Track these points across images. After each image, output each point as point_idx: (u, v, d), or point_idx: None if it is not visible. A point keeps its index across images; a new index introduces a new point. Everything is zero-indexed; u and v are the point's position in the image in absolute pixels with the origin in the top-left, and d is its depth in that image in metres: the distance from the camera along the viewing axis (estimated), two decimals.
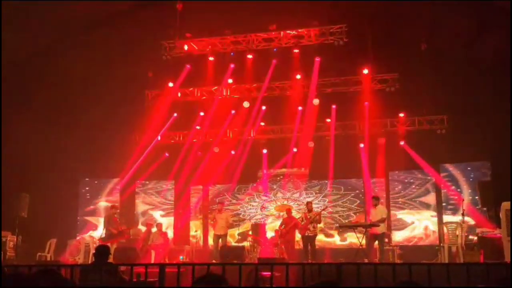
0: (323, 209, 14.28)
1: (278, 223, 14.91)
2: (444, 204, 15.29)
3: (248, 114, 16.52)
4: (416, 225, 15.59)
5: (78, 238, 15.89)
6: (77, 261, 13.61)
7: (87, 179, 17.16)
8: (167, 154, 17.01)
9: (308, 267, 5.95)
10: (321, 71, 15.88)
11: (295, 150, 16.50)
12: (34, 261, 12.79)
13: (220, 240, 13.36)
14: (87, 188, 17.18)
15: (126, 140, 16.36)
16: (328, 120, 16.25)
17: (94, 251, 7.26)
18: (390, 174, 16.03)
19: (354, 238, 13.04)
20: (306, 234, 12.76)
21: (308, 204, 13.44)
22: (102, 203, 16.94)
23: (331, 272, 5.52)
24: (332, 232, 16.19)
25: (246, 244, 14.00)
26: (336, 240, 16.14)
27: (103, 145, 15.45)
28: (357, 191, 16.29)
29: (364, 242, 11.70)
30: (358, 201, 16.17)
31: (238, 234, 15.25)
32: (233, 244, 14.78)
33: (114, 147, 15.52)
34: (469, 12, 13.84)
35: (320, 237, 15.01)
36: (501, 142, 13.33)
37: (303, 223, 12.88)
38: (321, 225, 14.06)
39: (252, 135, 16.81)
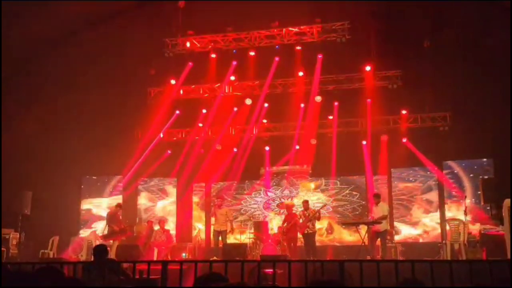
0: (322, 207, 14.29)
1: (280, 220, 14.94)
2: (446, 201, 15.26)
3: (251, 111, 16.52)
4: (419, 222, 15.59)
5: (80, 235, 15.93)
6: (80, 258, 13.64)
7: (90, 176, 17.17)
8: (169, 152, 17.01)
9: (310, 264, 5.95)
10: (324, 68, 15.87)
11: (297, 147, 16.49)
12: (37, 258, 12.82)
13: (220, 236, 13.32)
14: (89, 186, 17.20)
15: (129, 137, 16.37)
16: (331, 117, 16.22)
17: (92, 251, 7.27)
18: (393, 171, 16.00)
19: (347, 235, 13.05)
20: (306, 232, 12.77)
21: (304, 202, 13.44)
22: (105, 200, 16.96)
23: (333, 270, 5.52)
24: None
25: (248, 241, 14.01)
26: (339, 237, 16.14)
27: (106, 142, 15.43)
28: (360, 189, 16.24)
29: (366, 239, 11.71)
30: (362, 202, 16.13)
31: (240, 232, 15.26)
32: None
33: (116, 145, 15.52)
34: (472, 9, 13.82)
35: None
36: (504, 139, 13.30)
37: (301, 221, 12.91)
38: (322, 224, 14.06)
39: (254, 132, 16.79)
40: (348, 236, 15.80)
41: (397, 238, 15.15)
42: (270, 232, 15.16)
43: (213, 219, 14.42)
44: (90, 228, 16.28)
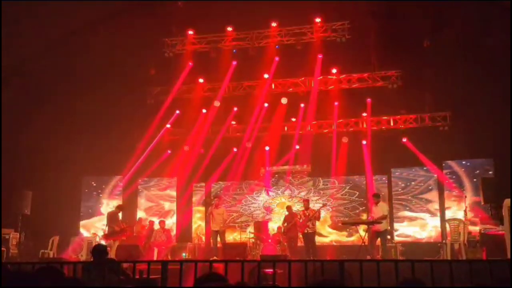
0: (322, 206, 14.28)
1: (280, 220, 14.93)
2: (446, 201, 15.26)
3: (250, 111, 16.52)
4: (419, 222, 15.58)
5: (80, 235, 15.92)
6: (80, 258, 13.65)
7: (90, 176, 17.17)
8: (169, 151, 17.01)
9: (310, 264, 5.95)
10: (323, 68, 15.87)
11: (297, 147, 16.49)
12: (37, 258, 12.83)
13: (218, 236, 13.29)
14: (89, 186, 17.20)
15: (129, 137, 16.36)
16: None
17: (92, 250, 7.26)
18: (393, 171, 16.01)
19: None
20: (306, 231, 12.76)
21: (305, 201, 13.44)
22: (105, 200, 16.97)
23: (333, 269, 5.51)
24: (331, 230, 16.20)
25: (248, 240, 14.01)
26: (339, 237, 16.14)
27: (106, 142, 15.45)
28: (360, 189, 16.25)
29: (366, 239, 11.71)
30: (361, 200, 16.13)
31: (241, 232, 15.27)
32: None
33: (116, 145, 15.53)
34: (472, 9, 13.80)
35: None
36: (504, 139, 13.30)
37: (301, 220, 12.91)
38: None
39: (253, 132, 16.78)
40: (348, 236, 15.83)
41: (397, 238, 15.15)
42: (270, 232, 15.15)
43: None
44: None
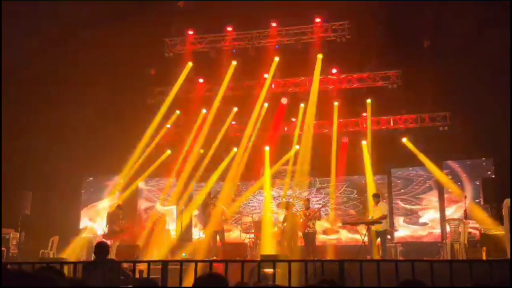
0: (322, 206, 14.28)
1: (280, 220, 14.93)
2: (446, 201, 15.26)
3: (250, 111, 16.51)
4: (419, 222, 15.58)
5: (80, 235, 15.91)
6: (80, 258, 13.64)
7: (90, 176, 17.16)
8: (169, 152, 17.00)
9: (310, 264, 5.95)
10: (323, 68, 15.87)
11: (297, 147, 16.48)
12: (37, 258, 12.82)
13: (218, 236, 13.28)
14: (89, 185, 17.19)
15: (129, 137, 16.35)
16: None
17: (94, 248, 7.27)
18: (393, 171, 16.01)
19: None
20: (306, 231, 12.77)
21: (305, 201, 13.45)
22: (105, 200, 16.95)
23: (333, 269, 5.51)
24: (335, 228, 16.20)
25: (248, 240, 14.01)
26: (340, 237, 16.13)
27: (106, 142, 15.45)
28: (360, 189, 16.25)
29: (366, 239, 11.71)
30: (360, 197, 16.14)
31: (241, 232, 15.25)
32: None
33: (116, 144, 15.52)
34: (472, 9, 13.80)
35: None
36: (504, 139, 13.30)
37: (301, 220, 12.92)
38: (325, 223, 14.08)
39: (254, 132, 16.77)
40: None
41: (397, 238, 15.15)
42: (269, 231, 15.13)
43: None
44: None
